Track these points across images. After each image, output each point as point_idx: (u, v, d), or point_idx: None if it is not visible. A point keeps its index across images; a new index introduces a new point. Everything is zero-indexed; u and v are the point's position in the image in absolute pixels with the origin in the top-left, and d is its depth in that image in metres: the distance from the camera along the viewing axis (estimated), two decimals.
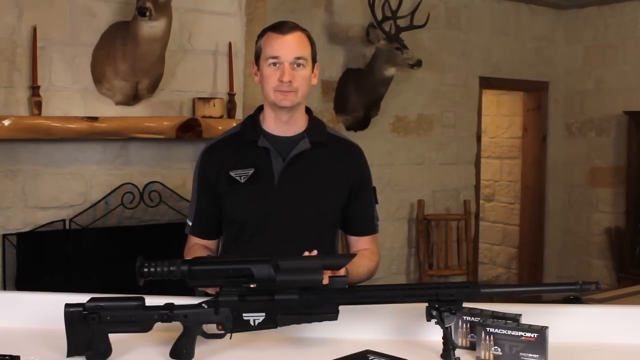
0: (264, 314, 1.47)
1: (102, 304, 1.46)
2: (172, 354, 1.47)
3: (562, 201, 5.93)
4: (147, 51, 3.05)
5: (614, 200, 5.57)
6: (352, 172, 1.92)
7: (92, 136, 3.09)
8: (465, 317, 1.57)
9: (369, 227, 1.97)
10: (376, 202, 1.99)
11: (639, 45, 5.39)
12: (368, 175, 1.97)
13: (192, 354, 1.47)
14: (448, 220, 5.02)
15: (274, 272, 1.44)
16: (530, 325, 1.49)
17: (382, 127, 4.76)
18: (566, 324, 1.62)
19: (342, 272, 1.61)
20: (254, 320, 1.47)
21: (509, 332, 1.47)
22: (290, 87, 1.79)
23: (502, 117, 6.24)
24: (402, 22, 4.27)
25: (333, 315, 1.49)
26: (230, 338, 1.49)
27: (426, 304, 1.47)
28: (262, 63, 1.84)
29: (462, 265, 5.02)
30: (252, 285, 1.47)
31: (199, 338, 1.48)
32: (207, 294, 1.59)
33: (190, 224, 1.94)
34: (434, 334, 1.52)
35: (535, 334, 1.45)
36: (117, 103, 3.24)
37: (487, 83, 5.39)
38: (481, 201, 5.86)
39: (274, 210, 1.84)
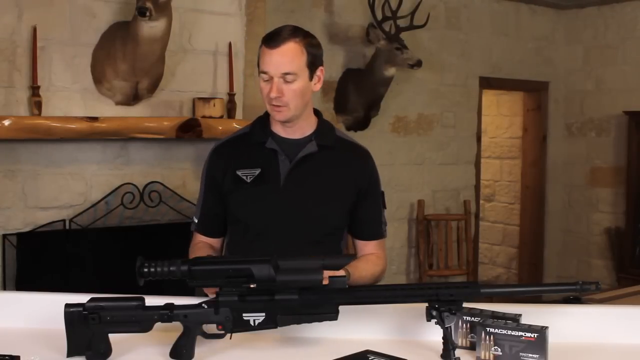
0: (264, 314, 1.47)
1: (102, 304, 1.46)
2: (172, 354, 1.47)
3: (562, 201, 5.93)
4: (147, 51, 3.05)
5: (614, 200, 5.57)
6: (359, 176, 1.92)
7: (92, 136, 3.09)
8: (465, 317, 1.57)
9: (376, 231, 1.97)
10: (384, 207, 1.99)
11: (639, 45, 5.39)
12: (376, 179, 1.97)
13: (192, 354, 1.47)
14: (448, 220, 5.02)
15: (274, 272, 1.44)
16: (530, 325, 1.49)
17: (382, 127, 4.76)
18: (566, 324, 1.62)
19: (340, 272, 1.61)
20: (254, 320, 1.47)
21: (509, 332, 1.47)
22: (280, 102, 1.80)
23: (502, 117, 6.24)
24: (402, 22, 4.27)
25: (333, 315, 1.49)
26: (230, 338, 1.49)
27: (426, 304, 1.47)
28: (259, 73, 1.84)
29: (462, 265, 5.02)
30: (252, 285, 1.47)
31: (199, 338, 1.48)
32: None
33: (196, 221, 1.96)
34: (434, 334, 1.52)
35: (535, 334, 1.45)
36: (117, 103, 3.24)
37: (487, 83, 5.39)
38: (481, 201, 5.86)
39: (278, 211, 1.84)
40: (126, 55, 3.09)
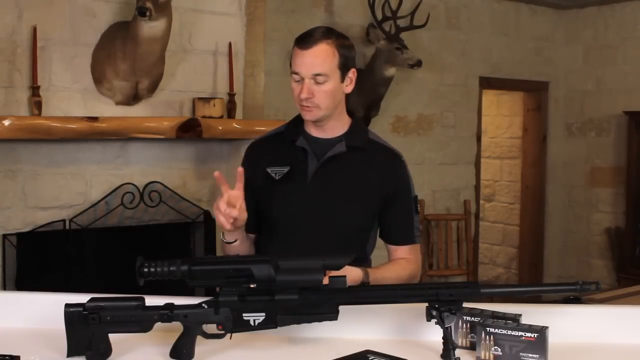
0: (264, 314, 1.47)
1: (102, 304, 1.45)
2: (172, 354, 1.47)
3: (562, 201, 5.93)
4: (147, 51, 3.05)
5: (614, 200, 5.57)
6: (387, 179, 1.92)
7: (92, 136, 3.09)
8: (465, 317, 1.57)
9: (405, 236, 1.97)
10: (417, 212, 1.98)
11: (639, 45, 5.39)
12: (406, 183, 1.96)
13: (192, 354, 1.47)
14: (448, 220, 5.02)
15: (274, 272, 1.44)
16: (530, 325, 1.49)
17: (382, 127, 4.76)
18: (566, 324, 1.62)
19: (357, 270, 1.66)
20: (254, 320, 1.47)
21: (509, 332, 1.47)
22: (310, 103, 1.82)
23: (502, 117, 6.25)
24: (402, 22, 4.27)
25: (333, 315, 1.49)
26: (230, 338, 1.49)
27: (426, 304, 1.47)
28: (291, 74, 1.86)
29: (462, 265, 5.02)
30: (252, 285, 1.47)
31: (199, 338, 1.48)
32: (207, 293, 1.59)
33: None
34: (434, 334, 1.52)
35: (535, 334, 1.45)
36: (117, 103, 3.24)
37: (487, 83, 5.39)
38: (481, 201, 5.86)
39: (304, 209, 1.87)
40: (126, 55, 3.08)
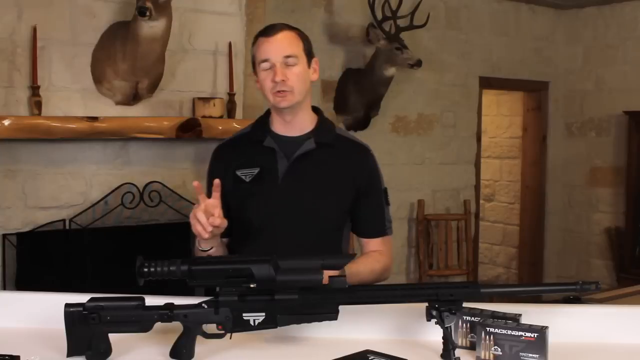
0: (264, 314, 1.47)
1: (102, 304, 1.45)
2: (172, 354, 1.47)
3: (562, 201, 5.93)
4: (147, 51, 3.05)
5: (614, 200, 5.57)
6: (358, 172, 1.93)
7: (92, 136, 3.09)
8: (465, 317, 1.57)
9: (378, 229, 1.97)
10: (387, 204, 1.99)
11: (639, 45, 5.39)
12: (377, 176, 1.97)
13: (192, 354, 1.47)
14: (448, 220, 5.02)
15: (274, 272, 1.44)
16: (530, 325, 1.49)
17: (382, 127, 4.76)
18: (566, 324, 1.62)
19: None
20: (254, 320, 1.47)
21: (509, 332, 1.47)
22: (285, 87, 1.82)
23: (502, 117, 6.25)
24: (402, 22, 4.27)
25: (333, 315, 1.49)
26: (230, 338, 1.49)
27: (426, 304, 1.47)
28: (257, 69, 1.87)
29: (462, 265, 5.02)
30: (252, 285, 1.47)
31: (199, 338, 1.48)
32: (206, 292, 1.58)
33: None
34: (434, 334, 1.52)
35: (535, 334, 1.45)
36: (117, 103, 3.24)
37: (487, 83, 5.39)
38: (481, 201, 5.86)
39: (277, 210, 1.86)
40: (126, 55, 3.08)
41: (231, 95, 3.49)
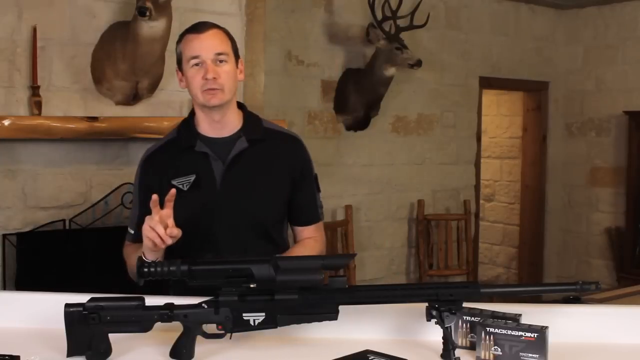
0: (264, 314, 1.47)
1: (102, 304, 1.45)
2: (172, 354, 1.47)
3: (562, 201, 5.93)
4: (147, 51, 3.05)
5: (614, 200, 5.57)
6: (291, 163, 1.93)
7: (92, 136, 3.09)
8: (465, 317, 1.57)
9: (312, 216, 1.99)
10: (318, 190, 2.00)
11: (639, 45, 5.39)
12: (308, 164, 1.98)
13: (192, 354, 1.47)
14: (448, 220, 5.02)
15: (274, 272, 1.44)
16: (530, 325, 1.49)
17: (382, 127, 4.76)
18: (566, 324, 1.62)
19: None
20: (254, 320, 1.47)
21: (509, 332, 1.47)
22: (217, 85, 1.81)
23: (502, 117, 6.25)
24: (402, 22, 4.27)
25: (333, 315, 1.49)
26: (230, 338, 1.49)
27: (426, 304, 1.48)
28: (184, 66, 1.87)
29: (462, 265, 5.02)
30: (252, 285, 1.47)
31: (199, 338, 1.48)
32: (205, 292, 1.57)
33: (132, 232, 1.92)
34: (434, 334, 1.52)
35: (535, 334, 1.45)
36: (117, 103, 3.24)
37: (487, 83, 5.39)
38: (481, 201, 5.86)
39: (221, 215, 1.85)
40: (126, 55, 3.08)
41: None
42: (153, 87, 3.28)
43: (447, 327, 1.46)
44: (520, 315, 1.55)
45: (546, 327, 1.47)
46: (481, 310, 1.58)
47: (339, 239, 4.34)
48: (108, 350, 1.47)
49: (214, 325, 1.48)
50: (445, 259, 4.98)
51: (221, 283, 1.47)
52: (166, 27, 3.02)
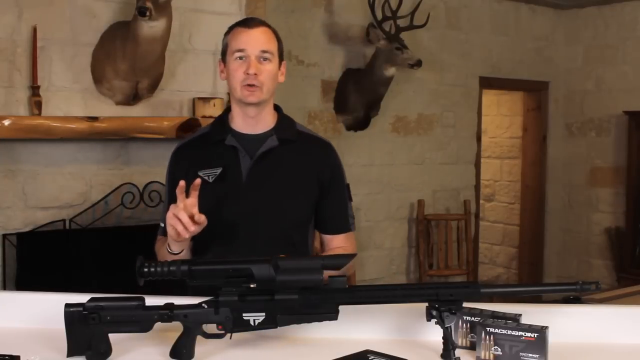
0: (264, 314, 1.47)
1: (102, 304, 1.45)
2: (172, 354, 1.47)
3: (562, 201, 5.93)
4: (147, 51, 3.05)
5: (614, 200, 5.57)
6: (321, 168, 1.92)
7: (92, 136, 3.09)
8: (465, 317, 1.57)
9: (342, 225, 1.97)
10: (350, 199, 1.99)
11: (639, 45, 5.39)
12: (339, 172, 1.97)
13: (192, 354, 1.47)
14: (448, 220, 5.02)
15: (274, 272, 1.44)
16: (530, 325, 1.49)
17: (382, 127, 4.76)
18: (566, 324, 1.62)
19: None
20: (254, 320, 1.47)
21: (509, 332, 1.47)
22: (257, 82, 1.80)
23: (502, 117, 6.25)
24: (402, 22, 4.27)
25: (333, 315, 1.49)
26: (230, 338, 1.49)
27: (426, 304, 1.47)
28: (228, 58, 1.85)
29: (462, 265, 5.02)
30: (252, 285, 1.47)
31: (199, 338, 1.48)
32: (205, 292, 1.58)
33: (162, 225, 1.90)
34: (434, 334, 1.52)
35: (535, 334, 1.45)
36: (117, 103, 3.24)
37: (487, 83, 5.39)
38: (481, 201, 5.86)
39: (243, 209, 1.84)
40: (126, 55, 3.09)
41: None
42: (153, 87, 3.28)
43: (447, 327, 1.46)
44: (520, 315, 1.55)
45: (546, 327, 1.47)
46: (481, 310, 1.58)
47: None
48: (108, 350, 1.47)
49: (214, 325, 1.48)
50: (445, 259, 4.98)
51: (221, 283, 1.47)
52: (166, 27, 3.02)
